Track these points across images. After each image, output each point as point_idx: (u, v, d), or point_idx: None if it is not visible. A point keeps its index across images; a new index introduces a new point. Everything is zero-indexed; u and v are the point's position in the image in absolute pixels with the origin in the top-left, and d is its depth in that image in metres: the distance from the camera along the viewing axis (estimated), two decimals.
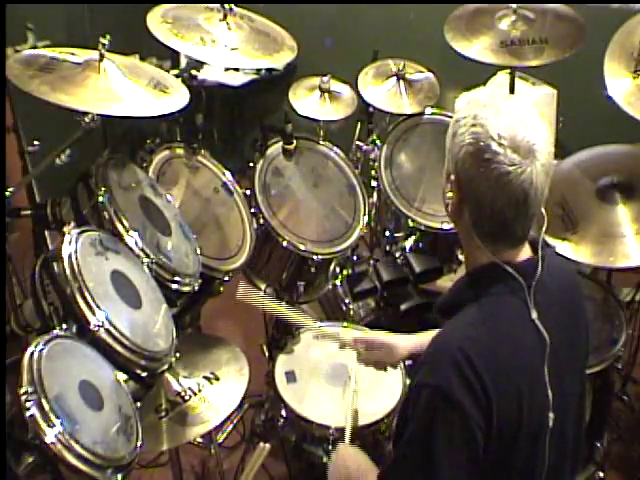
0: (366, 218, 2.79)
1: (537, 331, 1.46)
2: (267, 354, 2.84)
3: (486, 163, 1.37)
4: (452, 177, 1.45)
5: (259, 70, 3.77)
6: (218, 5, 2.60)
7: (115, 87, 2.06)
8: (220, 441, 2.85)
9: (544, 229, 1.50)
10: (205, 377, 2.19)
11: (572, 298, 1.60)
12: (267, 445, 2.07)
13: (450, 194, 1.47)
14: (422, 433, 1.43)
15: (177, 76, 2.59)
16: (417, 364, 1.51)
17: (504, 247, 1.46)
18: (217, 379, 2.19)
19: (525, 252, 1.50)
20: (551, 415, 1.47)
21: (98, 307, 1.74)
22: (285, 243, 2.60)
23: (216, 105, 3.69)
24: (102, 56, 2.09)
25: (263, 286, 2.74)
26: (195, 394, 2.12)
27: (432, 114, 2.91)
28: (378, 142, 2.92)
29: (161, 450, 2.05)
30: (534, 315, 1.46)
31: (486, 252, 1.46)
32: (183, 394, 2.10)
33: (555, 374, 1.47)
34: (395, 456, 1.54)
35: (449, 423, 1.38)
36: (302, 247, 2.61)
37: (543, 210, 1.46)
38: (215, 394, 2.14)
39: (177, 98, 2.19)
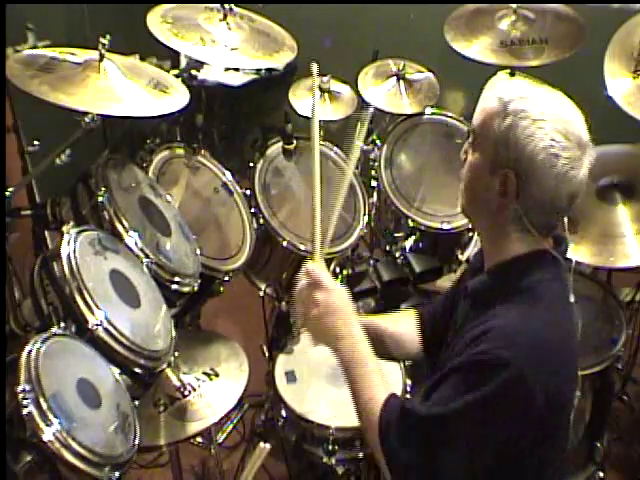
0: (366, 218, 2.79)
1: (575, 314, 1.49)
2: (267, 354, 2.84)
3: (556, 159, 1.38)
4: (507, 170, 1.41)
5: (259, 70, 3.77)
6: (218, 5, 2.60)
7: (115, 87, 2.06)
8: (220, 441, 2.85)
9: (566, 219, 1.51)
10: (205, 373, 2.20)
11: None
12: (267, 445, 2.06)
13: (497, 187, 1.43)
14: (480, 406, 1.36)
15: (177, 76, 2.59)
16: (484, 336, 1.39)
17: (540, 237, 1.46)
18: (217, 375, 2.20)
19: (551, 241, 1.51)
20: (578, 393, 1.51)
21: (97, 306, 1.74)
22: (285, 243, 2.60)
23: (216, 105, 3.68)
24: (102, 56, 2.09)
25: (263, 286, 2.74)
26: (194, 389, 2.12)
27: (432, 114, 2.91)
28: (378, 142, 2.92)
29: (159, 445, 2.03)
30: (572, 298, 1.48)
31: (528, 241, 1.46)
32: (182, 389, 2.10)
33: None
34: (427, 411, 1.41)
35: (512, 411, 1.36)
36: (302, 247, 2.61)
37: None
38: (214, 390, 2.15)
39: (177, 98, 2.19)
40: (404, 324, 1.85)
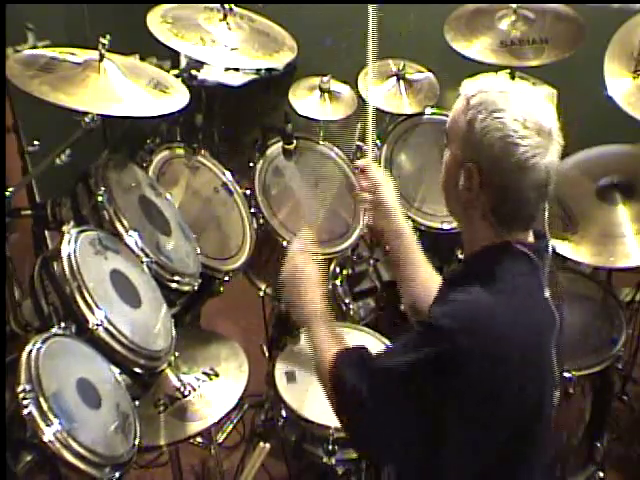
0: (366, 218, 2.78)
1: (549, 310, 1.47)
2: (267, 354, 2.83)
3: (514, 148, 1.38)
4: (469, 165, 1.43)
5: (259, 70, 3.77)
6: (218, 5, 2.61)
7: (115, 87, 2.07)
8: (220, 441, 2.84)
9: (547, 215, 1.51)
10: (204, 373, 2.20)
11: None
12: (267, 445, 2.07)
13: (463, 182, 1.44)
14: (408, 367, 1.40)
15: (177, 76, 2.59)
16: (445, 304, 1.44)
17: (517, 230, 1.47)
18: (216, 375, 2.20)
19: (531, 236, 1.50)
20: (557, 393, 1.50)
21: (97, 306, 1.75)
22: (285, 243, 2.60)
23: (216, 105, 3.68)
24: (102, 56, 2.09)
25: (263, 286, 2.74)
26: (194, 389, 2.12)
27: (432, 114, 2.91)
28: (378, 142, 2.92)
29: (159, 445, 2.04)
30: (547, 293, 1.47)
31: (501, 235, 1.46)
32: (182, 389, 2.10)
33: (556, 355, 1.49)
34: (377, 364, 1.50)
35: (438, 383, 1.37)
36: None
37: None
38: (214, 391, 2.15)
39: (177, 98, 2.20)
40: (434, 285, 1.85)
